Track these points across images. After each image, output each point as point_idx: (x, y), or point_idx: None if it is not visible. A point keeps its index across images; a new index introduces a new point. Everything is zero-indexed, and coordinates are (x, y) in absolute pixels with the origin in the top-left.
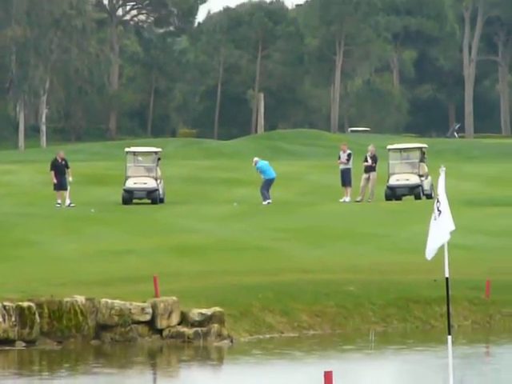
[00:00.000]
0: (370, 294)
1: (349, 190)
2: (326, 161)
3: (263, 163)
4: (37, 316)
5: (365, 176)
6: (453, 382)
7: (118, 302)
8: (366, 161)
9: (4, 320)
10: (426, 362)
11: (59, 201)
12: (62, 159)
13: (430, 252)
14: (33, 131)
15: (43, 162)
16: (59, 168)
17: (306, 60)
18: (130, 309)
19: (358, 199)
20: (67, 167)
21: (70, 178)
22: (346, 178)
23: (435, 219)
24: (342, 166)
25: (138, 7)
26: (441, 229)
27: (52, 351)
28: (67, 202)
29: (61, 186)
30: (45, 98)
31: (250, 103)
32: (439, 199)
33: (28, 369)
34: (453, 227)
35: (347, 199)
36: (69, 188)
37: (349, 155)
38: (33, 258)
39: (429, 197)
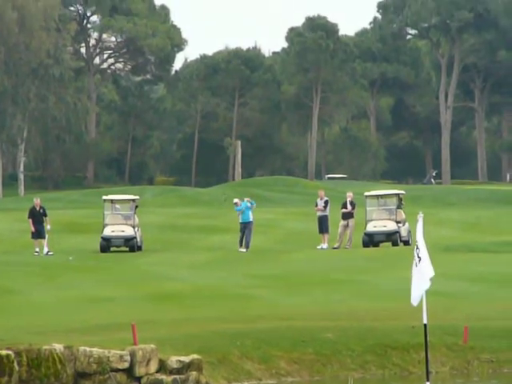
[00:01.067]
0: (348, 341)
1: (326, 236)
2: (303, 208)
3: (242, 204)
4: (15, 364)
5: (343, 223)
6: None
7: (96, 350)
8: (345, 207)
9: None
10: None
11: (37, 249)
12: (40, 207)
13: (415, 298)
14: (10, 179)
15: (21, 211)
16: (37, 216)
17: (282, 107)
18: (108, 356)
19: (336, 246)
20: (45, 215)
21: (48, 226)
22: (323, 225)
23: (416, 265)
24: (319, 213)
25: (115, 55)
26: (422, 275)
27: None
28: (45, 250)
29: (39, 234)
30: (23, 146)
31: (227, 151)
32: (418, 246)
33: None
34: (432, 273)
35: (325, 246)
36: (47, 236)
37: (326, 202)
38: (11, 306)
39: (406, 243)
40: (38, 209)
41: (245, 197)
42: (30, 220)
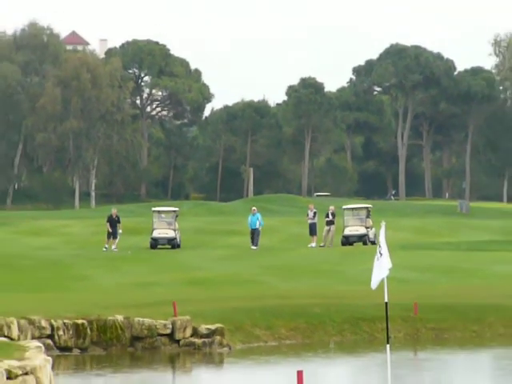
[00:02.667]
0: (330, 314)
1: (315, 238)
2: (298, 217)
3: (254, 215)
4: (88, 330)
5: (326, 228)
6: (390, 376)
7: (147, 320)
8: (328, 217)
9: (64, 333)
10: (372, 363)
11: (106, 246)
12: (116, 215)
13: (374, 283)
14: (85, 196)
15: (92, 219)
16: (113, 222)
17: (283, 144)
18: (155, 325)
19: (322, 245)
20: (119, 222)
21: (119, 230)
22: (312, 230)
23: (378, 259)
24: (309, 221)
25: (161, 105)
26: (382, 266)
27: (99, 356)
28: (113, 247)
29: (113, 235)
30: (94, 171)
31: (242, 175)
32: (380, 245)
33: (82, 369)
34: (390, 265)
35: (313, 245)
36: (118, 237)
37: (314, 213)
38: (84, 288)
39: (373, 243)
40: (114, 217)
41: (255, 209)
42: (108, 224)
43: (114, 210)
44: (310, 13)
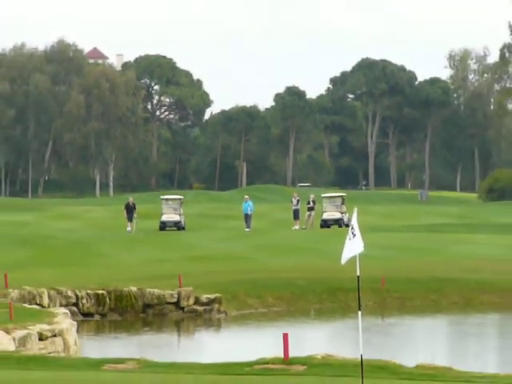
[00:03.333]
0: (311, 285)
1: (298, 221)
2: (283, 204)
3: (246, 203)
4: (107, 299)
5: (308, 213)
6: (361, 338)
7: (156, 290)
8: (309, 204)
9: (87, 301)
10: (346, 327)
11: (129, 228)
12: (132, 203)
13: (343, 259)
14: (104, 186)
15: (111, 205)
16: (129, 208)
17: (271, 142)
18: (164, 295)
19: (304, 227)
20: (135, 208)
21: (135, 215)
22: (296, 215)
23: (350, 239)
24: (293, 207)
25: (168, 110)
26: (354, 246)
27: (116, 321)
28: (128, 229)
29: (129, 219)
30: (112, 165)
31: (237, 168)
32: (353, 227)
33: (102, 332)
34: (362, 244)
35: (297, 227)
36: (135, 221)
37: (298, 200)
38: (104, 264)
39: (347, 226)
40: (130, 204)
41: (248, 197)
42: (125, 210)
43: (130, 199)
44: (294, 32)
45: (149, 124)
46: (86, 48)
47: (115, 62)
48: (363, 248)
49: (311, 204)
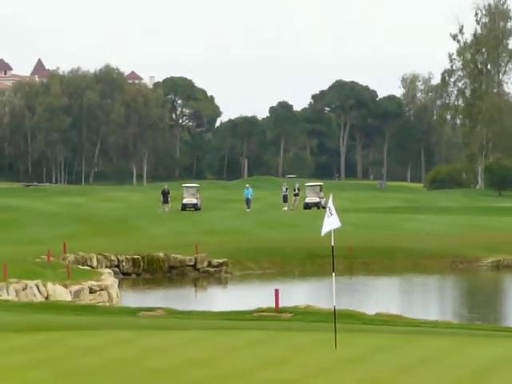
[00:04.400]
0: (297, 252)
1: (286, 204)
2: (275, 191)
3: (247, 190)
4: (141, 262)
5: (294, 198)
6: (334, 293)
7: (179, 256)
8: (295, 191)
9: (126, 264)
10: (322, 285)
11: (162, 209)
12: (167, 189)
13: (323, 232)
14: (139, 177)
15: (144, 192)
16: (164, 193)
17: (266, 144)
18: (184, 259)
19: (291, 209)
20: (168, 193)
21: (169, 199)
22: (284, 199)
23: (328, 217)
24: (283, 193)
25: (188, 119)
26: (332, 222)
27: (148, 279)
28: (166, 209)
29: (165, 201)
30: (145, 161)
31: (240, 164)
32: (330, 208)
33: (137, 287)
34: (339, 221)
35: (286, 209)
36: (169, 204)
37: (286, 188)
38: (139, 235)
39: (324, 208)
40: (166, 190)
41: (248, 186)
42: (162, 195)
43: (165, 186)
44: (285, 60)
45: (173, 130)
46: (126, 71)
47: (148, 82)
48: (340, 224)
49: (296, 191)
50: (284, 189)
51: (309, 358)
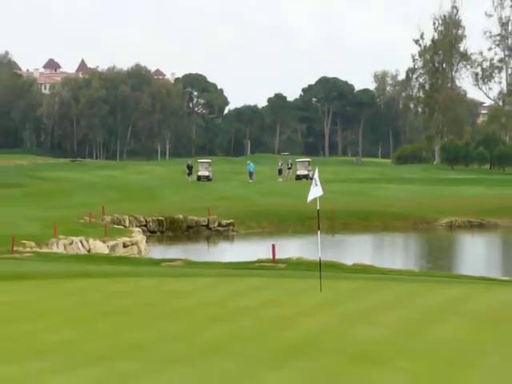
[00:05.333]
0: (290, 215)
1: (280, 176)
2: (272, 166)
3: (250, 164)
4: (164, 222)
5: (287, 171)
6: (320, 248)
7: (195, 217)
8: (288, 165)
9: (152, 224)
10: (310, 241)
11: (189, 179)
12: (191, 164)
13: (309, 200)
14: (163, 154)
15: (168, 166)
16: (189, 167)
17: (265, 128)
18: (199, 220)
19: (285, 180)
20: (192, 167)
21: (192, 172)
22: (280, 172)
23: (313, 187)
24: (278, 167)
25: (202, 107)
26: (316, 191)
27: (170, 236)
28: (189, 180)
29: (190, 174)
30: (167, 141)
31: (244, 144)
32: (315, 179)
33: (161, 242)
34: (322, 190)
35: (281, 180)
36: (193, 176)
37: (281, 163)
38: (163, 201)
39: (311, 179)
40: (190, 165)
41: (250, 162)
42: (187, 169)
43: (189, 162)
44: (281, 58)
45: (190, 116)
46: (153, 68)
47: (170, 77)
48: (323, 192)
49: (289, 165)
50: (279, 164)
51: (299, 299)
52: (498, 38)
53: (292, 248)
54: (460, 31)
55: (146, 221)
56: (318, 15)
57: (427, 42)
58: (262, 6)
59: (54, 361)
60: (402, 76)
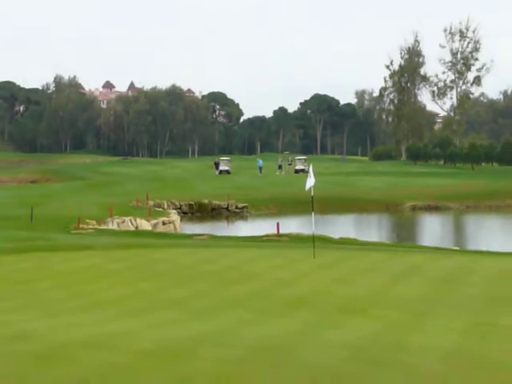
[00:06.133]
0: (289, 200)
1: (279, 171)
2: (274, 162)
3: (259, 161)
4: (194, 206)
5: (288, 166)
6: (314, 225)
7: (218, 202)
8: (288, 161)
9: (185, 207)
10: (306, 220)
11: (217, 172)
12: (218, 161)
13: (306, 188)
14: (193, 153)
15: (196, 162)
16: (217, 164)
17: (271, 133)
18: (221, 204)
19: (285, 173)
20: (218, 164)
21: (219, 167)
22: (280, 167)
23: (309, 178)
24: (278, 164)
25: (223, 118)
26: (311, 181)
27: (198, 216)
28: (216, 173)
29: (217, 168)
30: (196, 144)
31: (256, 145)
32: (310, 173)
33: (192, 221)
34: (314, 181)
35: (278, 173)
36: (219, 170)
37: (281, 161)
38: (193, 189)
39: (307, 173)
40: (217, 161)
41: (259, 159)
42: (214, 165)
43: (217, 159)
44: (283, 82)
45: (214, 125)
46: (185, 88)
47: (198, 94)
48: (316, 182)
49: (290, 162)
50: (279, 160)
51: (299, 265)
52: (450, 64)
53: (292, 225)
54: (420, 59)
55: (179, 204)
56: (315, 45)
57: (396, 67)
58: (272, 40)
59: (110, 312)
60: (376, 93)
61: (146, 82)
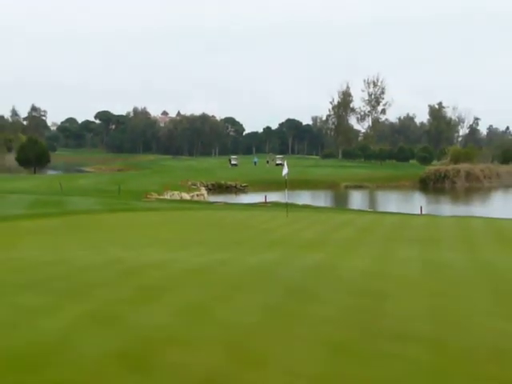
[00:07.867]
0: (274, 182)
1: (267, 164)
2: (263, 159)
3: (255, 158)
4: (215, 185)
5: (272, 161)
6: (287, 196)
7: (230, 182)
8: (273, 158)
9: (210, 186)
10: (282, 193)
11: (230, 166)
12: (230, 158)
13: (283, 174)
14: (215, 154)
15: (217, 159)
16: (230, 160)
17: (262, 142)
18: (231, 183)
19: (269, 166)
20: (231, 160)
21: (232, 162)
22: (268, 162)
23: (284, 169)
24: (266, 160)
25: (233, 133)
26: (285, 170)
27: (218, 191)
28: (230, 166)
29: (231, 164)
30: (217, 149)
31: (252, 149)
32: (285, 165)
33: (214, 195)
34: (287, 170)
35: (268, 166)
36: (233, 163)
37: (268, 158)
38: (214, 175)
39: (282, 166)
40: (230, 158)
41: (255, 157)
42: (229, 161)
43: (231, 156)
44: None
45: (227, 137)
46: (210, 114)
47: (218, 118)
48: (288, 171)
49: (273, 159)
50: (267, 158)
51: (277, 220)
52: (367, 101)
53: (274, 197)
54: (350, 98)
55: (207, 184)
56: (292, 83)
57: (335, 102)
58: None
59: (164, 247)
60: (324, 118)
61: (187, 110)
